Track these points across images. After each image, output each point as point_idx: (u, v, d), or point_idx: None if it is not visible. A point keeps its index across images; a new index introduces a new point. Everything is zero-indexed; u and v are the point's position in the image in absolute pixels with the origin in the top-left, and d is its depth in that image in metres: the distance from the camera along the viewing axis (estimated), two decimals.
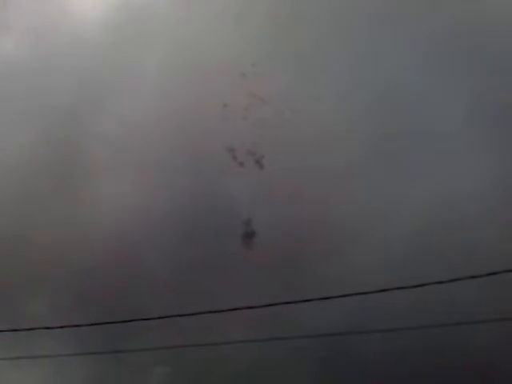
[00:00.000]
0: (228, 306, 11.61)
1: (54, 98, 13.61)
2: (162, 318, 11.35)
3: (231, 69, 13.47)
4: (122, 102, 13.57)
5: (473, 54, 12.66)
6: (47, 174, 13.33)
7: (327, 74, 13.29)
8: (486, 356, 11.37)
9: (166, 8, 13.92)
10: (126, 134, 13.45)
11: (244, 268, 12.76)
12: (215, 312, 11.59)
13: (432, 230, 12.12)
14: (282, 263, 12.65)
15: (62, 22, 13.92)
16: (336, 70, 13.24)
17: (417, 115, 12.88)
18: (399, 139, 12.81)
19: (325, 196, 12.95)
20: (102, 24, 13.85)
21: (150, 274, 12.79)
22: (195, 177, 13.34)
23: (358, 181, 12.78)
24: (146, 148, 13.53)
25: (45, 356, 12.43)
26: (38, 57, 13.81)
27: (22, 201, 13.28)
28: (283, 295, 11.75)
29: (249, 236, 13.21)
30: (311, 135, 13.22)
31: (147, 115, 13.48)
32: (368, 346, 11.81)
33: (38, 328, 11.64)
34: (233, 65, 13.47)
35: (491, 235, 11.76)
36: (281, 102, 13.34)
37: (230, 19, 13.75)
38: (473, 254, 11.51)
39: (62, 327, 11.59)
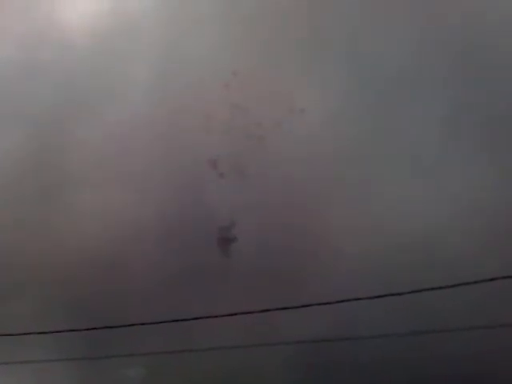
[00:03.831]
0: (214, 312, 11.67)
1: (38, 104, 13.59)
2: (153, 323, 11.35)
3: (214, 79, 13.47)
4: (107, 111, 13.54)
5: (464, 65, 12.88)
6: (30, 182, 13.26)
7: (312, 85, 13.36)
8: (475, 364, 11.53)
9: (151, 18, 13.90)
10: (109, 143, 13.40)
11: (227, 275, 12.80)
12: (200, 318, 11.66)
13: (417, 240, 12.27)
14: (266, 270, 12.71)
15: (50, 29, 13.87)
16: (322, 81, 13.32)
17: (404, 129, 13.04)
18: (384, 151, 12.97)
19: (308, 208, 13.05)
20: (88, 32, 13.79)
21: (135, 282, 12.76)
22: (177, 187, 13.34)
23: (343, 191, 12.89)
24: (129, 157, 13.49)
25: (29, 362, 12.35)
26: (23, 62, 13.76)
27: (5, 208, 13.10)
28: (268, 302, 11.86)
29: (228, 242, 13.24)
30: (295, 147, 13.28)
31: (131, 124, 13.47)
32: (354, 354, 11.90)
33: (32, 333, 11.52)
34: (216, 75, 13.48)
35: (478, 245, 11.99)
36: (264, 113, 13.36)
37: (213, 28, 13.78)
38: (460, 264, 11.73)
39: (57, 332, 11.50)
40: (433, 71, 13.01)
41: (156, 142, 13.58)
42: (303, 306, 10.82)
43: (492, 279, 9.74)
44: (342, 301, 10.44)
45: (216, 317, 11.74)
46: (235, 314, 11.62)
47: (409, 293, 10.19)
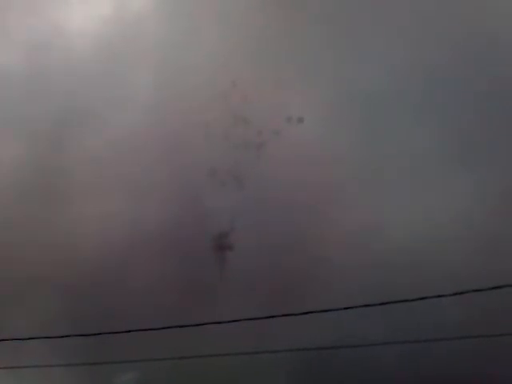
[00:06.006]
0: (212, 319, 11.71)
1: (40, 110, 13.65)
2: (151, 330, 11.34)
3: (214, 89, 13.58)
4: (107, 119, 13.69)
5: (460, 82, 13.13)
6: (31, 188, 13.31)
7: (310, 95, 13.53)
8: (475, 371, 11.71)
9: (152, 28, 14.02)
10: (110, 150, 13.48)
11: (225, 282, 12.91)
12: (199, 325, 11.65)
13: (413, 247, 12.47)
14: (264, 277, 12.83)
15: (52, 36, 13.97)
16: (320, 91, 13.48)
17: (399, 138, 13.22)
18: (379, 160, 13.15)
19: (307, 215, 13.17)
20: (90, 40, 13.90)
21: (135, 288, 12.85)
22: (177, 196, 13.42)
23: (342, 199, 13.05)
24: (129, 165, 13.57)
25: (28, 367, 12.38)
26: (25, 68, 13.81)
27: (9, 219, 13.14)
28: (267, 309, 11.94)
29: (226, 249, 13.33)
30: (293, 155, 13.41)
31: (131, 133, 13.56)
32: (356, 361, 12.03)
33: (39, 337, 11.51)
34: (216, 85, 13.59)
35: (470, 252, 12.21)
36: (263, 122, 13.48)
37: (214, 38, 13.90)
38: (454, 271, 11.92)
39: (64, 336, 11.49)
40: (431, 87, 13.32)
41: (156, 150, 13.68)
42: (307, 313, 10.89)
43: (495, 287, 9.91)
44: (350, 307, 10.54)
45: (215, 323, 11.74)
46: (237, 321, 11.63)
47: (411, 300, 10.32)
